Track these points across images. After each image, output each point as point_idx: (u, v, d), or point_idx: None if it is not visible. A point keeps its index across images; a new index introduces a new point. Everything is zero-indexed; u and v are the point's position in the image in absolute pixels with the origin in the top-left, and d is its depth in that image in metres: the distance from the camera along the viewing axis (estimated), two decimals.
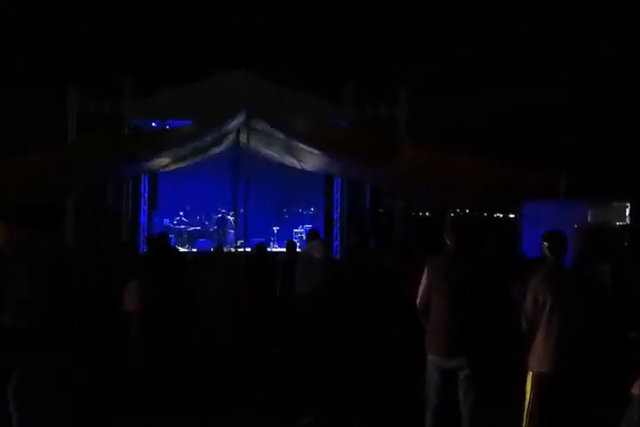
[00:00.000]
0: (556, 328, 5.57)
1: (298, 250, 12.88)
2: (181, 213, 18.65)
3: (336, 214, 18.71)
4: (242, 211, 17.70)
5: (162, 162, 15.99)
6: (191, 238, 18.24)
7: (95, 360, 8.51)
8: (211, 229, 18.64)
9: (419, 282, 5.90)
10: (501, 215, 20.67)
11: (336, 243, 18.44)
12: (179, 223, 18.53)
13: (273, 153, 16.77)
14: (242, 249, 15.26)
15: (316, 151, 15.10)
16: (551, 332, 5.58)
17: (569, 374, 5.53)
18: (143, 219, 18.36)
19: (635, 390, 4.37)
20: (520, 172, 11.96)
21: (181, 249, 16.60)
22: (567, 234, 5.92)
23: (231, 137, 16.14)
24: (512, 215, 18.85)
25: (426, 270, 5.85)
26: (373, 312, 8.94)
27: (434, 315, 5.76)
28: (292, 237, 17.37)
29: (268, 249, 17.25)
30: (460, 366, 5.60)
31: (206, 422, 6.96)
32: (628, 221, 12.21)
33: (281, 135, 15.04)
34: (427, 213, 21.99)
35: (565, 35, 33.27)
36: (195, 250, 17.50)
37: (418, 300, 5.88)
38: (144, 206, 18.40)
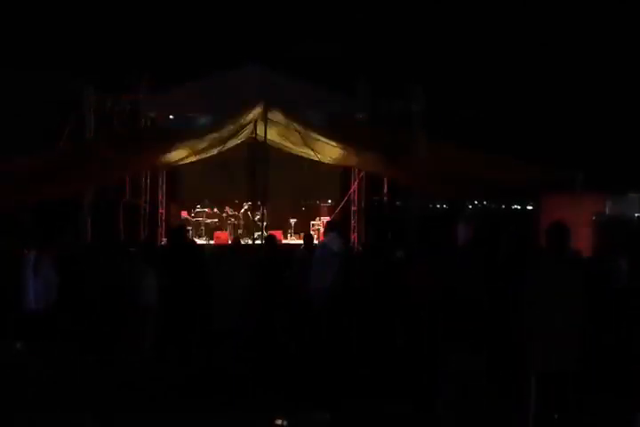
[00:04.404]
0: (553, 326, 5.42)
1: (315, 242, 12.90)
2: (199, 206, 18.73)
3: (353, 207, 18.74)
4: (259, 203, 17.78)
5: (180, 155, 16.09)
6: (209, 231, 18.31)
7: (110, 354, 8.62)
8: (228, 222, 18.71)
9: (428, 275, 5.90)
10: (519, 207, 20.57)
11: (353, 235, 18.48)
12: (196, 216, 18.61)
13: (290, 145, 16.81)
14: (259, 242, 15.31)
15: (334, 143, 15.12)
16: (549, 329, 5.43)
17: (570, 373, 5.40)
18: (161, 211, 18.49)
19: None
20: (535, 167, 11.95)
21: (199, 241, 16.67)
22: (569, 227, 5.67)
23: (248, 129, 16.20)
24: (530, 207, 18.82)
25: None
26: (379, 307, 8.94)
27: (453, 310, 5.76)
28: (309, 230, 17.43)
29: (285, 241, 17.40)
30: (475, 362, 5.62)
31: (214, 417, 7.01)
32: None
33: (298, 127, 15.08)
34: (444, 206, 21.94)
35: (579, 26, 32.92)
36: (212, 242, 17.57)
37: None
38: (162, 199, 18.54)
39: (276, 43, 30.38)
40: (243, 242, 15.87)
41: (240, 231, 18.08)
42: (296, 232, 18.23)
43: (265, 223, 17.48)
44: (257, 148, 16.98)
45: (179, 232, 10.81)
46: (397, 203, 18.49)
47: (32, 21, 30.54)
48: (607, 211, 12.15)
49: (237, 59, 17.81)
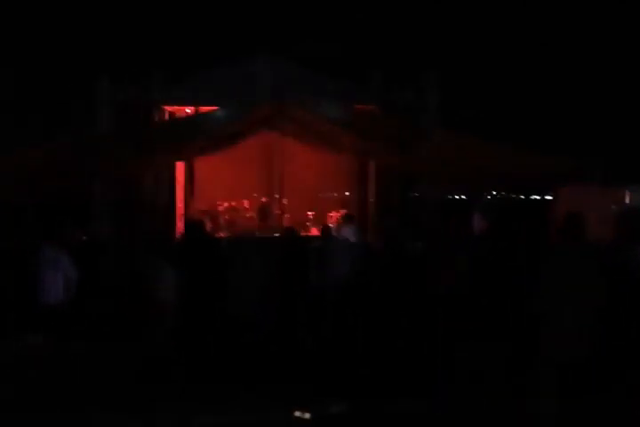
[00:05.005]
0: (568, 315, 5.37)
1: (333, 234, 12.90)
2: (217, 200, 18.76)
3: (370, 198, 18.72)
4: (277, 196, 17.82)
5: (197, 149, 16.12)
6: (227, 225, 18.34)
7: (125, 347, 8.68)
8: (247, 215, 18.75)
9: (447, 267, 5.88)
10: (538, 197, 20.48)
11: (370, 227, 18.45)
12: (214, 210, 18.63)
13: (307, 137, 16.79)
14: (277, 234, 15.35)
15: (350, 136, 15.08)
16: (563, 319, 5.41)
17: (585, 362, 5.36)
18: (180, 206, 18.56)
19: None
20: (550, 156, 11.87)
21: (217, 235, 16.71)
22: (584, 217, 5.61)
23: (265, 123, 16.21)
24: (549, 197, 18.71)
25: None
26: (395, 301, 8.92)
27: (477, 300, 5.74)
28: (327, 222, 17.42)
29: (303, 234, 17.39)
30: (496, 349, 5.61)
31: (231, 408, 7.04)
32: None
33: (315, 119, 15.06)
34: (462, 197, 21.85)
35: (599, 17, 32.66)
36: (230, 235, 17.60)
37: None
38: (180, 193, 18.59)
39: (286, 36, 30.46)
40: (260, 235, 15.94)
41: (259, 224, 18.11)
42: (314, 224, 18.23)
43: (287, 215, 17.58)
44: (274, 141, 17.02)
45: (196, 226, 10.83)
46: (415, 194, 18.42)
47: (48, 17, 30.75)
48: (627, 201, 12.07)
49: (251, 50, 17.81)
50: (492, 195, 19.97)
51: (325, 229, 12.34)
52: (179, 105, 17.28)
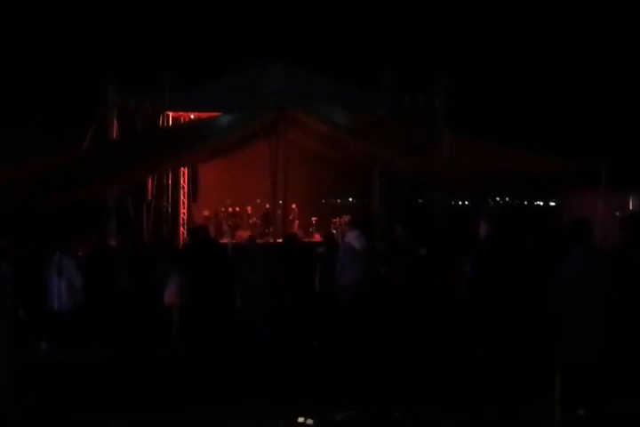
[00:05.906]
0: (581, 317, 5.41)
1: (337, 240, 12.87)
2: (221, 205, 18.78)
3: (375, 204, 18.68)
4: (280, 202, 17.81)
5: (201, 155, 16.11)
6: (231, 230, 18.36)
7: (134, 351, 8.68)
8: (250, 221, 18.75)
9: (452, 271, 5.88)
10: (542, 203, 20.50)
11: (376, 233, 18.43)
12: (218, 215, 18.66)
13: (312, 143, 16.76)
14: (280, 240, 15.34)
15: (356, 141, 15.05)
16: (577, 321, 5.43)
17: (599, 364, 5.37)
18: (183, 211, 18.57)
19: None
20: (557, 160, 11.82)
21: (221, 241, 16.71)
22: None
23: (270, 129, 16.19)
24: (553, 203, 18.71)
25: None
26: (403, 306, 8.93)
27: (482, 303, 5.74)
28: (331, 228, 17.42)
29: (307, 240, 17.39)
30: (505, 353, 5.62)
31: (244, 414, 7.02)
32: None
33: (320, 125, 15.02)
34: (466, 202, 21.87)
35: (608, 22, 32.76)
36: (234, 242, 17.60)
37: None
38: (184, 199, 18.60)
39: (300, 39, 30.55)
40: (263, 241, 15.94)
41: (267, 230, 18.09)
42: (317, 231, 18.22)
43: (297, 221, 17.58)
44: (278, 147, 17.01)
45: (201, 231, 10.83)
46: (420, 200, 18.43)
47: (58, 23, 30.88)
48: (631, 207, 12.08)
49: (258, 57, 17.90)
50: (495, 201, 19.99)
51: (328, 236, 12.34)
52: (184, 111, 17.30)
